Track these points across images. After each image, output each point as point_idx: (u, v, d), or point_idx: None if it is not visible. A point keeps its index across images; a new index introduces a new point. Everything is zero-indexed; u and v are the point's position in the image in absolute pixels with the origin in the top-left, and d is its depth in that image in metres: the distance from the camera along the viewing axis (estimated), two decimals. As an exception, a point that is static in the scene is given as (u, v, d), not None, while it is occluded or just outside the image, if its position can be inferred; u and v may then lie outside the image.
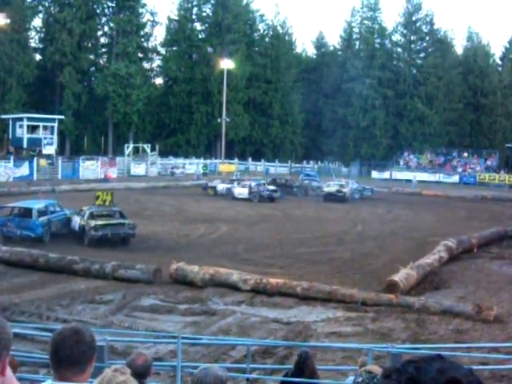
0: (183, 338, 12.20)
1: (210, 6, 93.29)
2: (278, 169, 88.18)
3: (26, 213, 29.70)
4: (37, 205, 30.83)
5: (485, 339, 16.39)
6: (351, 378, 9.34)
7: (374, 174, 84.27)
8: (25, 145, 63.98)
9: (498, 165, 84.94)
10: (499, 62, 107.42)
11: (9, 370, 2.58)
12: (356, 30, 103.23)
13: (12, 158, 59.78)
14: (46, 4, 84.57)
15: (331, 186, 54.10)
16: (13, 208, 31.22)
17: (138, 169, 70.47)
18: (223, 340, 15.24)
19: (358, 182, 60.70)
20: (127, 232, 29.36)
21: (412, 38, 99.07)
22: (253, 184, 52.92)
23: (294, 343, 14.65)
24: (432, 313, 18.62)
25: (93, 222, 28.84)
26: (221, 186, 54.60)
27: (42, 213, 29.71)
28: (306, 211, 45.75)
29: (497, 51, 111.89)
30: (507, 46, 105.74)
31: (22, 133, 64.23)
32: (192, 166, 76.38)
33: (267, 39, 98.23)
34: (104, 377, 3.10)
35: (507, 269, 26.90)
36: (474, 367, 12.40)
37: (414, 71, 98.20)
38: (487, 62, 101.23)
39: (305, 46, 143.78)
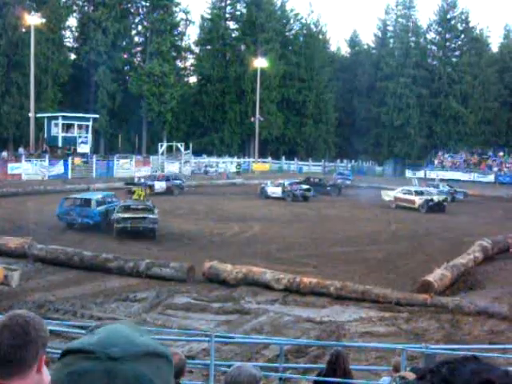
0: (216, 336, 12.22)
1: (243, 4, 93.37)
2: (312, 168, 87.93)
3: (86, 203, 33.32)
4: (95, 196, 34.96)
5: (521, 341, 16.20)
6: (385, 378, 9.28)
7: (408, 174, 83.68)
8: (60, 143, 64.55)
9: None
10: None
11: (45, 368, 2.59)
12: (390, 28, 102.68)
13: (47, 156, 60.38)
14: (81, 3, 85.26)
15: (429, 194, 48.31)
16: (75, 199, 34.91)
17: (172, 167, 70.73)
18: (256, 339, 15.23)
19: (449, 185, 58.84)
20: (146, 226, 30.76)
21: (447, 36, 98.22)
22: (286, 183, 52.86)
23: (327, 343, 14.60)
24: (466, 313, 18.45)
25: (118, 215, 30.88)
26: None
27: (99, 203, 33.46)
28: (339, 210, 45.56)
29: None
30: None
31: (57, 132, 64.82)
32: (227, 164, 76.52)
33: (301, 38, 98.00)
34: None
35: (543, 269, 26.55)
36: (510, 369, 12.27)
37: (449, 70, 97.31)
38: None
39: (339, 44, 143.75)
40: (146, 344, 1.58)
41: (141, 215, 31.18)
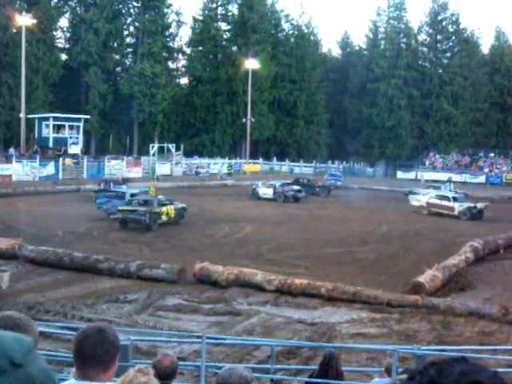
0: (207, 337, 12.19)
1: (235, 5, 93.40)
2: (303, 169, 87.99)
3: (122, 196, 38.04)
4: (130, 190, 40.45)
5: (511, 341, 16.22)
6: (376, 379, 9.28)
7: (400, 175, 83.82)
8: (51, 144, 64.34)
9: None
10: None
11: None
12: (381, 29, 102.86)
13: (38, 157, 60.16)
14: (72, 4, 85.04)
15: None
16: (113, 192, 40.42)
17: (163, 168, 70.60)
18: (247, 340, 15.21)
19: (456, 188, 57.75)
20: (136, 218, 33.95)
21: (438, 38, 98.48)
22: (277, 184, 52.89)
23: (319, 344, 14.58)
24: (458, 314, 18.48)
25: (120, 207, 34.81)
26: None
27: (133, 195, 37.99)
28: (330, 211, 45.60)
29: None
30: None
31: (48, 132, 64.63)
32: (216, 165, 76.46)
33: (292, 39, 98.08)
34: (126, 376, 3.09)
35: (534, 270, 26.63)
36: (501, 370, 12.29)
37: (440, 71, 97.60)
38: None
39: (330, 45, 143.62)
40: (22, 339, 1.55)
41: (132, 208, 34.53)
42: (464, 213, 43.80)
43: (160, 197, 37.43)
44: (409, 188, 58.08)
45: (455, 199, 45.59)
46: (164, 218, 35.29)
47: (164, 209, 35.62)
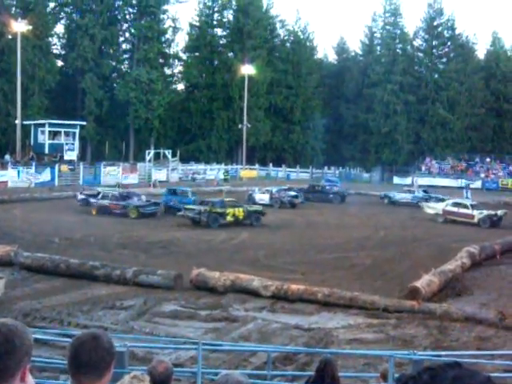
0: (204, 344, 12.17)
1: (230, 11, 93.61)
2: (300, 175, 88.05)
3: (185, 193, 46.00)
4: (191, 189, 49.49)
5: (508, 346, 16.21)
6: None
7: (396, 180, 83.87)
8: (46, 151, 64.31)
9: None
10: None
11: (30, 377, 2.58)
12: (377, 35, 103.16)
13: (34, 163, 60.15)
14: (68, 10, 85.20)
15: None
16: (177, 189, 48.00)
17: (160, 175, 70.57)
18: (244, 346, 15.19)
19: (425, 190, 57.92)
20: (195, 216, 38.49)
21: (434, 43, 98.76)
22: (274, 190, 52.87)
23: (315, 350, 14.56)
24: (454, 319, 18.47)
25: (186, 206, 40.30)
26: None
27: (193, 193, 46.55)
28: (327, 217, 45.59)
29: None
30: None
31: (44, 139, 64.61)
32: (213, 171, 76.46)
33: (288, 45, 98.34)
34: (122, 383, 3.08)
35: (530, 275, 26.64)
36: (498, 375, 12.29)
37: (436, 76, 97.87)
38: (510, 66, 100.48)
39: (326, 51, 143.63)
40: None
41: (193, 207, 39.61)
42: (484, 220, 43.14)
43: (229, 199, 41.65)
44: (384, 192, 58.46)
45: (473, 206, 44.96)
46: (229, 218, 38.84)
47: (230, 210, 39.03)
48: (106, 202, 42.55)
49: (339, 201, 56.60)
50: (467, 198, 53.89)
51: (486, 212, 44.05)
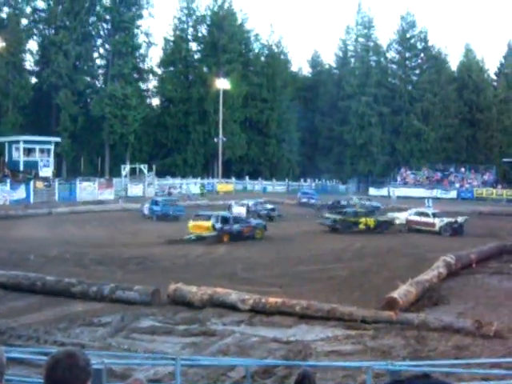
0: (182, 359, 12.11)
1: (205, 26, 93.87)
2: (276, 187, 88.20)
3: (175, 202, 55.67)
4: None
5: (485, 355, 16.29)
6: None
7: (372, 191, 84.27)
8: (21, 167, 63.97)
9: (495, 179, 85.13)
10: (494, 78, 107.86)
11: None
12: (351, 47, 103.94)
13: (8, 181, 59.69)
14: (41, 26, 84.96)
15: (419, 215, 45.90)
16: (169, 199, 56.91)
17: (136, 189, 70.38)
18: (222, 361, 15.13)
19: (369, 199, 58.73)
20: (329, 224, 43.95)
21: (407, 55, 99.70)
22: (251, 203, 52.87)
23: (294, 363, 14.54)
24: (432, 329, 18.52)
25: (326, 215, 46.07)
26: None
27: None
28: (304, 229, 45.61)
29: (491, 66, 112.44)
30: (502, 61, 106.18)
31: (19, 156, 64.28)
32: (190, 185, 76.36)
33: (263, 58, 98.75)
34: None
35: (506, 284, 26.85)
36: (476, 383, 12.35)
37: (410, 88, 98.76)
38: (482, 77, 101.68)
39: (300, 64, 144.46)
40: None
41: (329, 216, 44.81)
42: (445, 228, 43.64)
43: (361, 210, 47.61)
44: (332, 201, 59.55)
45: (435, 215, 45.47)
46: (361, 226, 43.39)
47: (363, 219, 43.68)
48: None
49: None
50: (429, 207, 54.19)
51: (446, 220, 44.50)
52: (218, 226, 38.14)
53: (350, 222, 43.40)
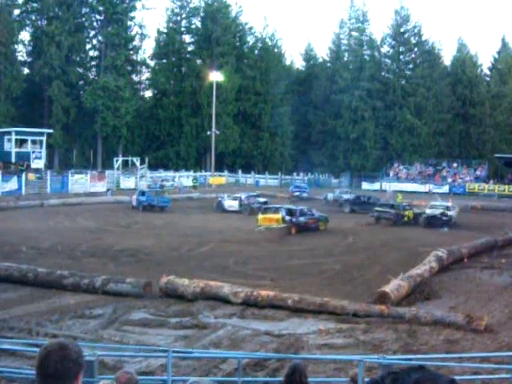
0: (174, 351, 12.12)
1: (198, 18, 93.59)
2: (268, 181, 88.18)
3: (160, 193, 55.57)
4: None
5: (476, 349, 16.37)
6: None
7: (365, 185, 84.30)
8: (13, 159, 63.73)
9: (488, 175, 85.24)
10: (487, 73, 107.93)
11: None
12: (345, 41, 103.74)
13: (0, 172, 59.49)
14: (34, 17, 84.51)
15: (435, 208, 46.71)
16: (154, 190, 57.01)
17: (128, 182, 70.24)
18: (214, 353, 15.15)
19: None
20: (387, 216, 45.90)
21: (401, 50, 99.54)
22: (243, 196, 52.82)
23: (286, 356, 14.57)
24: (423, 323, 18.59)
25: (377, 208, 47.59)
26: None
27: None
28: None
29: (484, 61, 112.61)
30: (496, 56, 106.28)
31: (11, 147, 64.04)
32: (182, 178, 76.26)
33: (256, 51, 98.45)
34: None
35: (497, 278, 26.93)
36: (466, 377, 12.42)
37: (403, 82, 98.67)
38: (475, 72, 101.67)
39: (294, 58, 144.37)
40: None
41: (385, 209, 46.57)
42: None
43: (405, 204, 50.24)
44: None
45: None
46: (405, 219, 45.95)
47: (407, 212, 46.71)
48: None
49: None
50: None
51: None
52: (288, 218, 39.84)
53: (401, 214, 46.13)
